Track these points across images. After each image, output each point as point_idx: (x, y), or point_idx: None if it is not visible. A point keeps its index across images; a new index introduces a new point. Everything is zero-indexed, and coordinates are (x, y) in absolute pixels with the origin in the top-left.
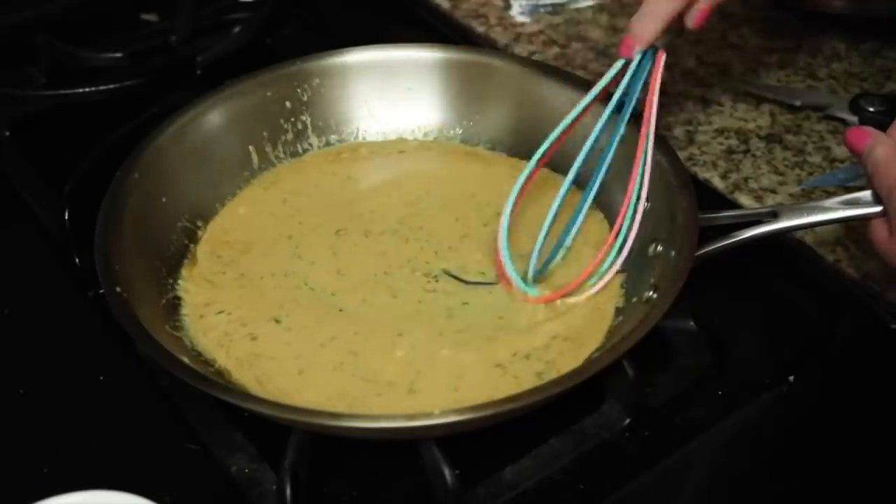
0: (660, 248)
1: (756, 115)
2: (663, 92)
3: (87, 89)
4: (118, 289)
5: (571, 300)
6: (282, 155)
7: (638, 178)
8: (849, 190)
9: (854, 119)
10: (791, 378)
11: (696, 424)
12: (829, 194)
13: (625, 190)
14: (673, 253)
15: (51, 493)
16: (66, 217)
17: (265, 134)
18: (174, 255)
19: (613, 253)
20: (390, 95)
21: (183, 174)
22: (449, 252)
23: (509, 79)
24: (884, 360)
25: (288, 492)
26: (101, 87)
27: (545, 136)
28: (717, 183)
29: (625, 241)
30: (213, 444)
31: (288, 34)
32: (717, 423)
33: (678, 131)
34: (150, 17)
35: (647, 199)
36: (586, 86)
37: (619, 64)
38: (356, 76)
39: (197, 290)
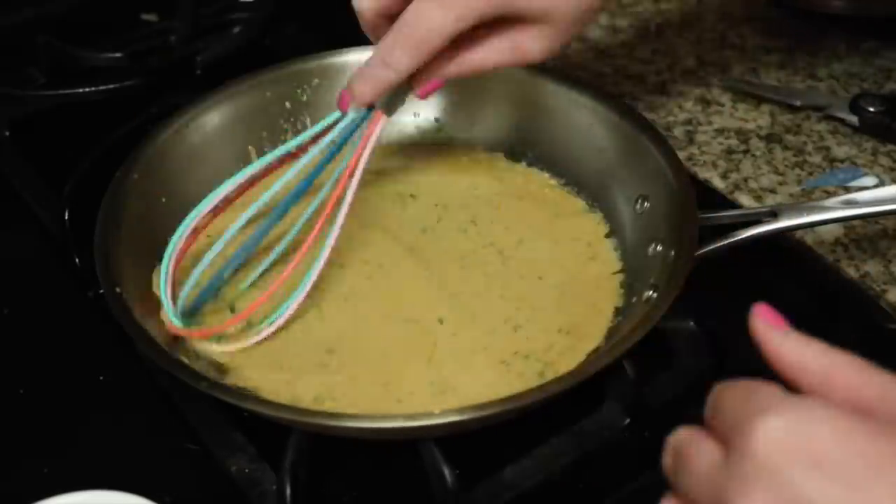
0: (659, 247)
1: (756, 115)
2: (662, 92)
3: (86, 89)
4: (118, 289)
5: (217, 347)
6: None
7: (325, 235)
8: (848, 190)
9: (854, 119)
10: None
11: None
12: (829, 194)
13: (622, 186)
14: (672, 253)
15: (51, 493)
16: (66, 217)
17: (265, 134)
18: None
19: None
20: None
21: (182, 175)
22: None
23: (508, 79)
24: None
25: (288, 492)
26: (101, 87)
27: (544, 137)
28: (717, 183)
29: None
30: (213, 444)
31: (288, 34)
32: None
33: (678, 131)
34: (150, 17)
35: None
36: (584, 86)
37: (333, 116)
38: None
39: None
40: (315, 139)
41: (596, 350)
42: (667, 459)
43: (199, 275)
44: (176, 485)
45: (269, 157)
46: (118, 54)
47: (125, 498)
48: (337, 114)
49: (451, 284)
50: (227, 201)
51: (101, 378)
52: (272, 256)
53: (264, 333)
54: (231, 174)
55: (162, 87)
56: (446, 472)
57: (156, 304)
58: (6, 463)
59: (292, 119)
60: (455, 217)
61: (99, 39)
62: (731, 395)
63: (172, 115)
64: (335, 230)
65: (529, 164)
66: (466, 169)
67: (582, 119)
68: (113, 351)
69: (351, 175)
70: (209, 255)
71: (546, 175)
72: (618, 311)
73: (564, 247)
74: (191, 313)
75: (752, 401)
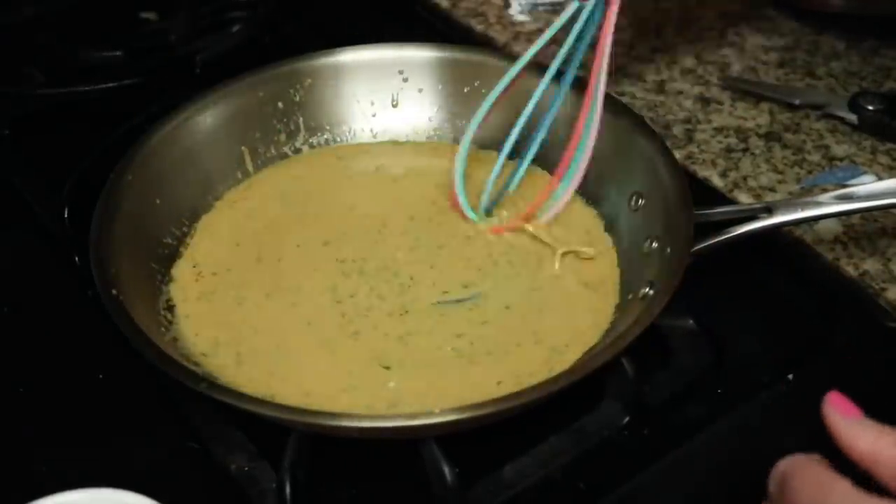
0: (655, 244)
1: (755, 114)
2: (661, 91)
3: (86, 88)
4: (114, 291)
5: (529, 227)
6: (275, 155)
7: (592, 104)
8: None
9: (853, 117)
10: (790, 377)
11: (695, 423)
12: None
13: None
14: (668, 249)
15: (51, 493)
16: (66, 216)
17: (258, 135)
18: (169, 256)
19: (568, 178)
20: (383, 95)
21: (176, 176)
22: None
23: (501, 77)
24: (883, 359)
25: (288, 490)
26: (101, 86)
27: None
28: (716, 181)
29: (577, 165)
30: (213, 443)
31: (287, 33)
32: (716, 422)
33: (677, 129)
34: (150, 15)
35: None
36: (583, 85)
37: (573, 6)
38: (349, 76)
39: (190, 291)
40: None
41: (594, 348)
42: None
43: (494, 178)
44: (176, 484)
45: (531, 53)
46: (117, 53)
47: (125, 497)
48: (575, 6)
49: (443, 285)
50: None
51: (101, 377)
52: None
53: (560, 204)
54: (224, 175)
55: (161, 85)
56: (446, 470)
57: (152, 306)
58: (6, 463)
59: (285, 119)
60: (450, 216)
61: (98, 38)
62: (804, 485)
63: (164, 117)
64: (597, 109)
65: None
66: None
67: (576, 117)
68: (113, 350)
69: (599, 60)
70: (502, 157)
71: (541, 171)
72: (615, 309)
73: (562, 244)
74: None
75: (833, 496)
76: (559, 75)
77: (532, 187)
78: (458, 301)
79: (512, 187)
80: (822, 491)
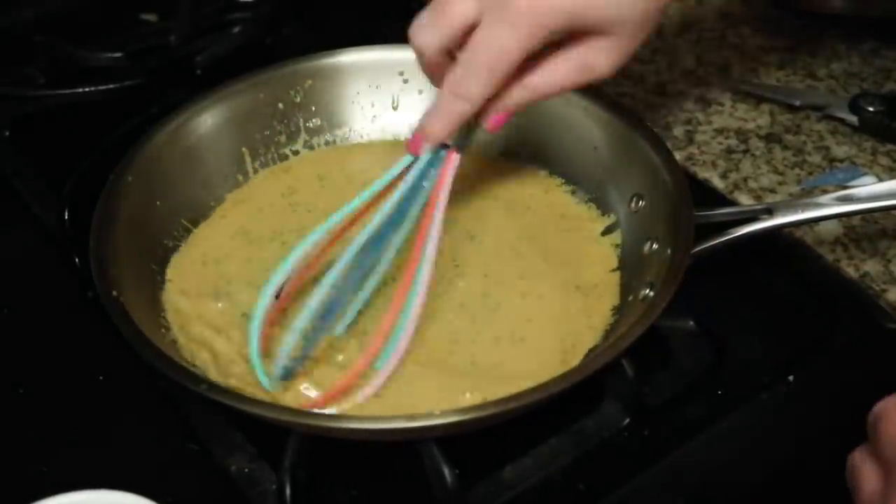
0: (655, 245)
1: (755, 115)
2: (662, 92)
3: (86, 89)
4: (114, 292)
5: (330, 410)
6: (276, 156)
7: (416, 275)
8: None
9: (853, 119)
10: (791, 378)
11: (695, 424)
12: (828, 194)
13: (617, 185)
14: (669, 251)
15: (51, 493)
16: (66, 217)
17: (258, 136)
18: (170, 257)
19: (385, 355)
20: (384, 97)
21: (176, 177)
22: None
23: None
24: (883, 359)
25: (288, 491)
26: (101, 87)
27: (541, 138)
28: (717, 182)
29: (398, 338)
30: (213, 444)
31: (287, 34)
32: (716, 423)
33: (677, 131)
34: (150, 16)
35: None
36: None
37: (406, 159)
38: (349, 77)
39: (190, 292)
40: (390, 186)
41: (594, 349)
42: (847, 476)
43: (301, 329)
44: (176, 484)
45: (346, 211)
46: (118, 54)
47: (125, 498)
48: (409, 158)
49: (443, 285)
50: (307, 260)
51: (101, 378)
52: (359, 301)
53: (377, 383)
54: (225, 176)
55: (161, 86)
56: (446, 471)
57: (153, 307)
58: (6, 463)
59: (285, 120)
60: (451, 217)
61: (98, 39)
62: (890, 427)
63: (165, 119)
64: (424, 272)
65: (525, 163)
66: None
67: (575, 118)
68: (113, 351)
69: (430, 217)
70: (310, 308)
71: (542, 174)
72: (615, 310)
73: (561, 245)
74: (285, 374)
75: None
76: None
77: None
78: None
79: (310, 353)
80: None
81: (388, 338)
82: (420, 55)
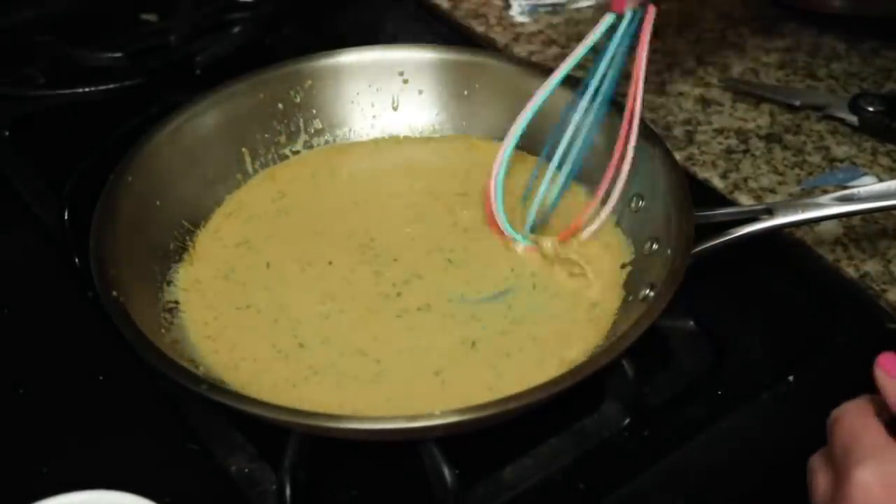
0: (656, 246)
1: (755, 115)
2: (662, 92)
3: (86, 89)
4: (114, 293)
5: (572, 243)
6: (276, 157)
7: (631, 123)
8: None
9: (853, 119)
10: (791, 378)
11: (695, 424)
12: (828, 194)
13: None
14: (669, 251)
15: (51, 493)
16: (66, 217)
17: (258, 136)
18: (170, 258)
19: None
20: (384, 97)
21: (176, 177)
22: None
23: (504, 80)
24: None
25: (288, 491)
26: (101, 87)
27: (540, 138)
28: (717, 183)
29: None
30: (213, 444)
31: (287, 34)
32: (716, 423)
33: (678, 131)
34: (150, 16)
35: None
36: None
37: (609, 19)
38: (349, 77)
39: (193, 292)
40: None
41: (594, 349)
42: (808, 478)
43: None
44: (176, 485)
45: (563, 73)
46: (117, 54)
47: (125, 498)
48: (610, 18)
49: (444, 285)
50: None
51: (101, 378)
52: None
53: (598, 222)
54: (224, 177)
55: (161, 87)
56: (446, 472)
57: (153, 307)
58: (6, 463)
59: (286, 121)
60: (452, 212)
61: (98, 39)
62: (843, 429)
63: (165, 119)
64: (635, 126)
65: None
66: (462, 167)
67: (576, 118)
68: (113, 351)
69: (638, 78)
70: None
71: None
72: (616, 311)
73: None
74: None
75: (860, 444)
76: (595, 90)
77: (564, 205)
78: (478, 301)
79: (553, 205)
80: (853, 437)
81: (609, 186)
82: None
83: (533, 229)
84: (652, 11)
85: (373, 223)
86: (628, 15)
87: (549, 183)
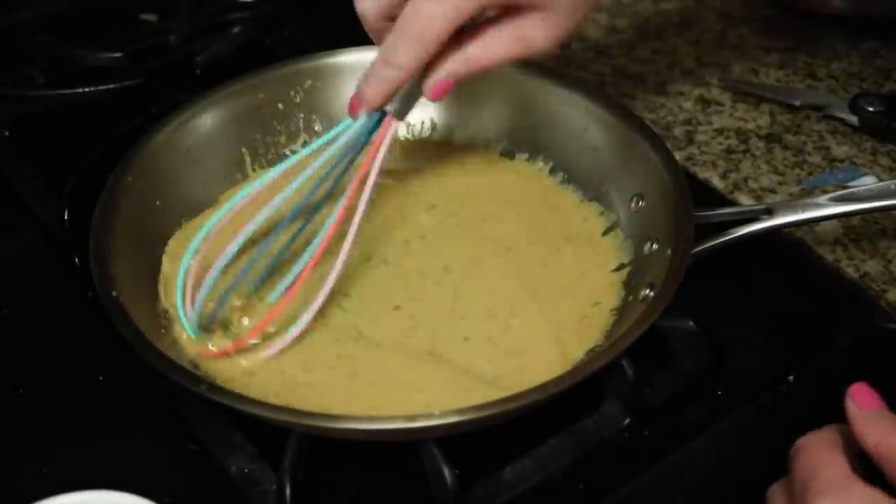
0: (655, 246)
1: (755, 115)
2: (662, 92)
3: (86, 89)
4: (114, 293)
5: (245, 360)
6: (275, 157)
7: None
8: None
9: (853, 119)
10: (791, 378)
11: (695, 424)
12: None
13: (617, 185)
14: (669, 251)
15: (51, 493)
16: (66, 217)
17: (258, 136)
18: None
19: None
20: None
21: (176, 177)
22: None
23: (504, 79)
24: (884, 360)
25: (287, 492)
26: (101, 87)
27: (538, 137)
28: (717, 183)
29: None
30: (213, 444)
31: (287, 34)
32: (716, 423)
33: (678, 131)
34: (150, 17)
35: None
36: (581, 85)
37: (343, 125)
38: (349, 77)
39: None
40: (326, 147)
41: (594, 349)
42: None
43: (210, 286)
44: (176, 485)
45: (280, 168)
46: (118, 54)
47: (125, 498)
48: (348, 121)
49: (448, 282)
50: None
51: (101, 378)
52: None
53: (289, 338)
54: (224, 176)
55: (161, 87)
56: (446, 472)
57: (153, 307)
58: (6, 463)
59: (286, 121)
60: (452, 215)
61: (98, 39)
62: (805, 460)
63: (164, 119)
64: (350, 237)
65: (524, 163)
66: (462, 167)
67: (576, 118)
68: (113, 351)
69: (363, 181)
70: (220, 263)
71: (542, 173)
72: (615, 310)
73: (562, 245)
74: (202, 329)
75: (820, 478)
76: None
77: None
78: None
79: (221, 305)
80: (814, 470)
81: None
82: (363, 20)
83: (206, 324)
84: (391, 124)
85: (374, 223)
86: (362, 120)
87: (219, 272)
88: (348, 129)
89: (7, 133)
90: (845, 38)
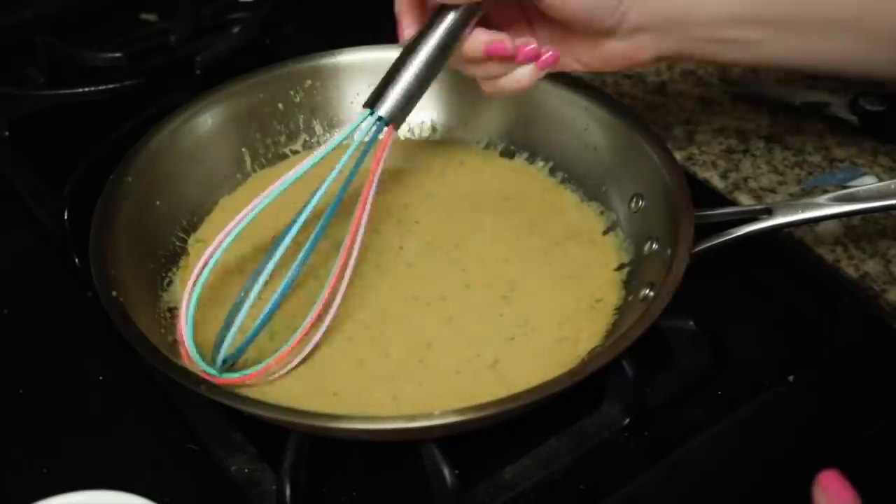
0: (655, 245)
1: (755, 115)
2: (662, 92)
3: (86, 89)
4: (114, 293)
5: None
6: (275, 157)
7: (350, 257)
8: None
9: (853, 119)
10: (791, 378)
11: (695, 424)
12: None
13: (617, 185)
14: (669, 251)
15: (51, 493)
16: (66, 217)
17: (258, 136)
18: (170, 258)
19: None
20: None
21: (176, 177)
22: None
23: None
24: (883, 360)
25: (287, 492)
26: (101, 87)
27: (538, 136)
28: (717, 182)
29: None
30: (213, 444)
31: (287, 34)
32: (716, 423)
33: (678, 131)
34: (150, 16)
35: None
36: (581, 86)
37: (339, 136)
38: (348, 77)
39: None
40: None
41: (594, 349)
42: None
43: (242, 320)
44: (176, 485)
45: (283, 185)
46: (118, 54)
47: (125, 498)
48: (345, 132)
49: (447, 282)
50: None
51: (101, 378)
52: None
53: (296, 361)
54: (224, 176)
55: (161, 87)
56: (446, 472)
57: (153, 307)
58: (6, 463)
59: (285, 120)
60: (452, 215)
61: (98, 39)
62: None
63: (165, 119)
64: (355, 252)
65: (524, 163)
66: (462, 167)
67: (576, 118)
68: (113, 351)
69: (364, 203)
70: (250, 297)
71: (542, 173)
72: (616, 311)
73: (562, 244)
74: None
75: None
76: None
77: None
78: None
79: (244, 346)
80: None
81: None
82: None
83: (229, 362)
84: (391, 133)
85: (374, 223)
86: (363, 130)
87: (250, 309)
88: (345, 139)
89: (7, 133)
90: None
